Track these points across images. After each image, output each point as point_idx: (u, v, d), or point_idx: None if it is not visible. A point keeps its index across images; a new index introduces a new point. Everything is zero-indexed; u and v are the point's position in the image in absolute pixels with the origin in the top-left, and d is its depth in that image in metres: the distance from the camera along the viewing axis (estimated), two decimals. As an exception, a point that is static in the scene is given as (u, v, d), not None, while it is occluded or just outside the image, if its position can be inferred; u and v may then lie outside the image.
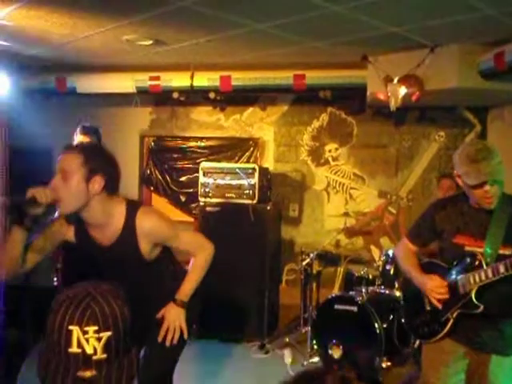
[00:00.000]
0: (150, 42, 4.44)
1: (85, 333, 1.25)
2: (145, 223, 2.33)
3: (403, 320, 2.89)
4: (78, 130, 3.78)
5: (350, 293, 4.55)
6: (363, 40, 4.27)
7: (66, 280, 4.03)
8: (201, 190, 5.33)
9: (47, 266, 6.07)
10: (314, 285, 5.18)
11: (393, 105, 4.49)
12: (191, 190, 6.00)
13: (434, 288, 2.49)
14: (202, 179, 5.34)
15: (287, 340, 5.05)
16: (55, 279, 4.11)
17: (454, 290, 2.45)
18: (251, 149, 6.02)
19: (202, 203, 5.34)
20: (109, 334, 1.27)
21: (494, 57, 4.01)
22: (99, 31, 4.21)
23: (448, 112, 5.44)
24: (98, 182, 2.20)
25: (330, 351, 4.32)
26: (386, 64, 4.64)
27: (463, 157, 2.37)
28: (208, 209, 5.36)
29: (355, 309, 4.26)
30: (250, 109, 6.03)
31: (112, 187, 2.28)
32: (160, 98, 6.08)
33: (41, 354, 1.33)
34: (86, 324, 1.25)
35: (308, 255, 4.98)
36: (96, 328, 1.26)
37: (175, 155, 6.28)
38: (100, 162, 2.24)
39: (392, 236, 5.63)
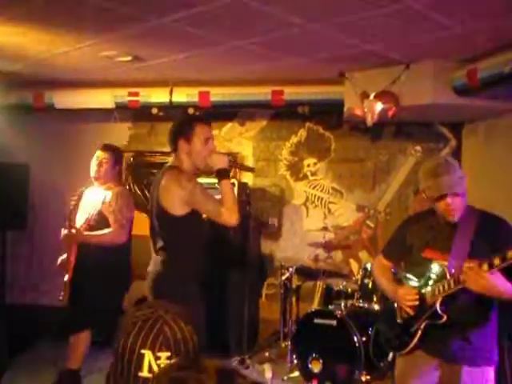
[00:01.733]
0: (129, 58, 4.46)
1: (157, 358, 1.22)
2: None
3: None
4: (100, 147, 4.10)
5: (329, 307, 4.58)
6: (340, 57, 4.34)
7: (73, 295, 3.93)
8: (180, 206, 5.31)
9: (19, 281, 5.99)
10: (294, 299, 5.20)
11: (369, 120, 4.55)
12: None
13: (404, 295, 2.57)
14: (181, 194, 5.34)
15: (267, 355, 5.05)
16: (62, 293, 3.96)
17: (422, 302, 2.51)
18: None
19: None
20: None
21: (467, 74, 4.10)
22: (77, 47, 4.22)
23: (424, 127, 5.53)
24: None
25: (309, 365, 4.33)
26: (362, 80, 4.71)
27: (425, 172, 2.48)
28: (187, 224, 5.36)
29: (334, 323, 4.29)
30: (229, 124, 6.07)
31: None
32: (139, 114, 6.07)
33: (108, 376, 1.29)
34: (159, 349, 1.22)
35: (287, 269, 5.00)
36: (169, 354, 1.22)
37: (154, 170, 6.24)
38: None
39: (370, 250, 5.68)
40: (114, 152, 4.12)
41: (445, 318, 2.42)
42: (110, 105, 5.58)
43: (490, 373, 2.52)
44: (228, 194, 2.99)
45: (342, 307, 4.49)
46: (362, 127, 5.15)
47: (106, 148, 4.09)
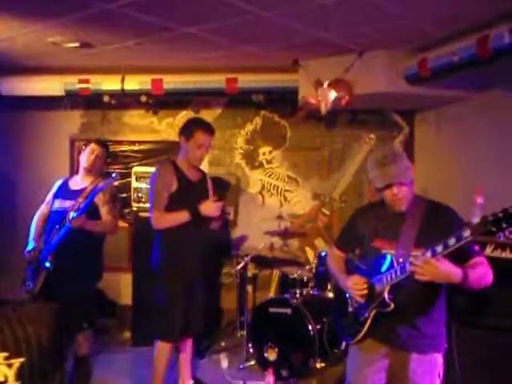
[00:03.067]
0: (77, 44, 4.31)
1: None
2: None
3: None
4: (93, 141, 4.24)
5: (285, 295, 4.58)
6: (294, 45, 4.31)
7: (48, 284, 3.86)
8: (133, 195, 5.23)
9: None
10: (251, 288, 5.19)
11: (323, 109, 4.55)
12: (124, 195, 5.88)
13: (354, 285, 2.58)
14: (134, 184, 5.25)
15: (223, 344, 5.04)
16: (29, 283, 3.87)
17: (372, 291, 2.53)
18: (185, 152, 5.95)
19: (135, 208, 5.25)
20: (21, 360, 1.20)
21: (418, 63, 4.14)
22: (22, 33, 4.07)
23: (378, 115, 5.59)
24: None
25: (265, 354, 4.34)
26: (316, 68, 4.70)
27: (372, 162, 2.49)
28: (142, 214, 5.27)
29: (289, 311, 4.30)
30: (184, 112, 5.98)
31: None
32: (90, 102, 5.91)
33: None
34: None
35: (243, 258, 4.99)
36: (6, 354, 1.19)
37: (107, 159, 6.12)
38: None
39: (326, 237, 5.72)
40: (106, 148, 4.29)
41: (392, 306, 2.44)
42: (60, 92, 5.42)
43: (439, 359, 2.56)
44: (175, 222, 3.57)
45: (297, 295, 4.51)
46: (317, 115, 5.15)
47: (100, 143, 4.24)
